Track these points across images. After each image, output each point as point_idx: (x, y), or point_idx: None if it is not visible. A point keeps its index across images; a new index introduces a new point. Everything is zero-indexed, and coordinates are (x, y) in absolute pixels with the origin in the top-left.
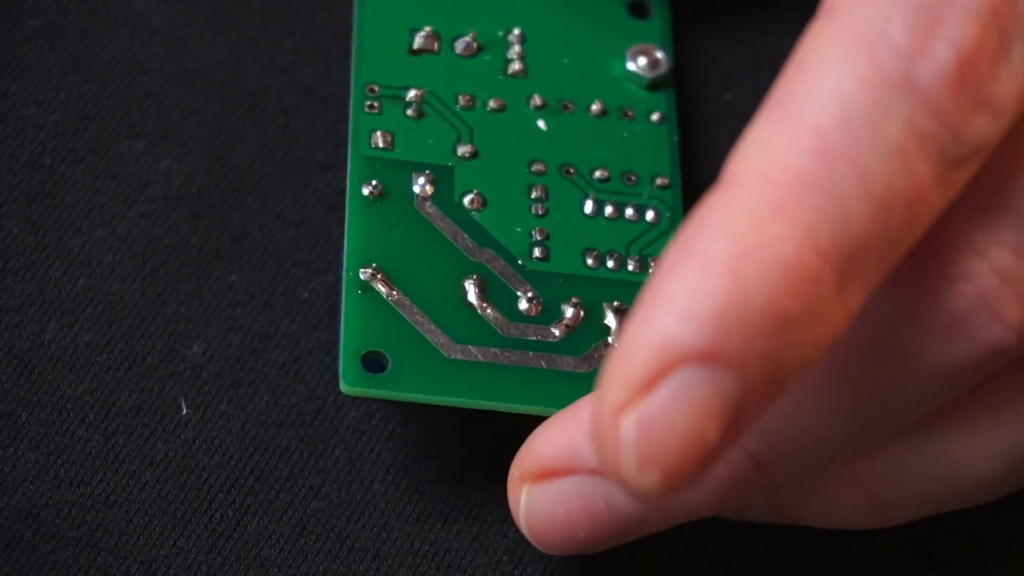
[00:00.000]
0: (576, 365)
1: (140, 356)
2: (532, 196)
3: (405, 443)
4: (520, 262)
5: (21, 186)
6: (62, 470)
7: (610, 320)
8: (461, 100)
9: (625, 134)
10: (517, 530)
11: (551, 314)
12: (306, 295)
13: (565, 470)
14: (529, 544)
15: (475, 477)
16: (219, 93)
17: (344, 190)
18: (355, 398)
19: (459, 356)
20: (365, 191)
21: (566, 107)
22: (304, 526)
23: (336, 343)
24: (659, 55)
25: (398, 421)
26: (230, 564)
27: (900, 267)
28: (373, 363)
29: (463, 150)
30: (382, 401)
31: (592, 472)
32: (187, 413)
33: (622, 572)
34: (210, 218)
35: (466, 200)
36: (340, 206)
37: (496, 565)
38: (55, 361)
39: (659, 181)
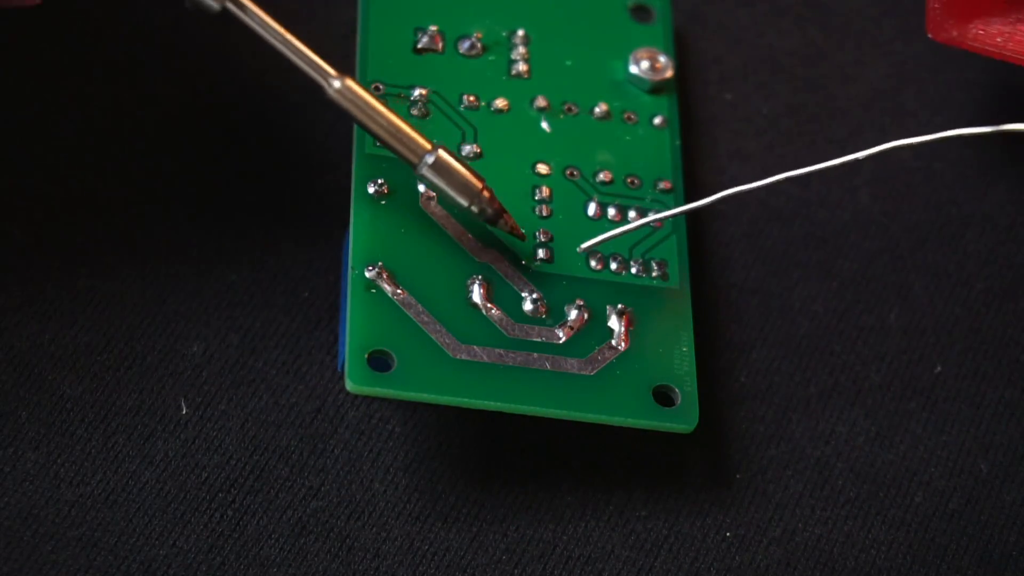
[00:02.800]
0: (580, 367)
1: (140, 356)
2: (536, 197)
3: (405, 443)
4: (524, 263)
5: (21, 186)
6: (62, 470)
7: (614, 323)
8: (465, 100)
9: (628, 137)
10: (517, 530)
11: (555, 316)
12: (306, 295)
13: None
14: (529, 544)
15: (475, 477)
16: (219, 92)
17: (344, 189)
18: (355, 397)
19: (464, 356)
20: (371, 189)
21: (570, 109)
22: (304, 526)
23: (336, 343)
24: (662, 59)
25: (398, 421)
26: (230, 564)
27: None
28: (379, 362)
29: (468, 150)
30: (382, 400)
31: None
32: (187, 413)
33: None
34: (210, 218)
35: None
36: (341, 206)
37: (496, 565)
38: (55, 361)
39: (661, 185)
